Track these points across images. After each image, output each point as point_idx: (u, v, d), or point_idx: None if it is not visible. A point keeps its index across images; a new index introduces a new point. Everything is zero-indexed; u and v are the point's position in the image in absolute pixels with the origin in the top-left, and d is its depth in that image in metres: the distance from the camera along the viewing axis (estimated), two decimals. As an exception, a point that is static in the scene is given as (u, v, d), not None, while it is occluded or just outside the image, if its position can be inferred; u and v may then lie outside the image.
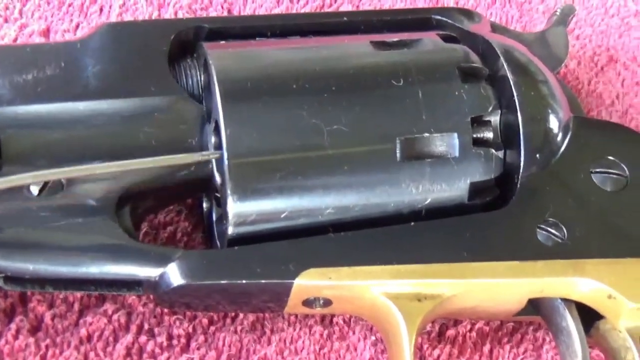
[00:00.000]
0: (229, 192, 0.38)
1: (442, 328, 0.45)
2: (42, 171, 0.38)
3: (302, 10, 0.56)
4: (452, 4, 0.58)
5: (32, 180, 0.37)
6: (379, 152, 0.40)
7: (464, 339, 0.45)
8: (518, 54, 0.44)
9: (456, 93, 0.41)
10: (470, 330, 0.45)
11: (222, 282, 0.37)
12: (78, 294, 0.42)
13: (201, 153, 0.40)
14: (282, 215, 0.39)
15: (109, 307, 0.42)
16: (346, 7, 0.56)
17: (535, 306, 0.42)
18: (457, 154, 0.40)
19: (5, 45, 0.48)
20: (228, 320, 0.43)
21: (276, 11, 0.55)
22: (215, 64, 0.39)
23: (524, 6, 0.59)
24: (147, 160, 0.39)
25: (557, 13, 0.51)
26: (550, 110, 0.42)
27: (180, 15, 0.53)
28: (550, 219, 0.41)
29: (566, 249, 0.40)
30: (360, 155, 0.39)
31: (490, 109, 0.41)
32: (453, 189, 0.41)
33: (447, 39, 0.44)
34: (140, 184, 0.40)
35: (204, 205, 0.45)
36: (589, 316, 0.41)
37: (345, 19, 0.46)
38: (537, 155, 0.42)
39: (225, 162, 0.38)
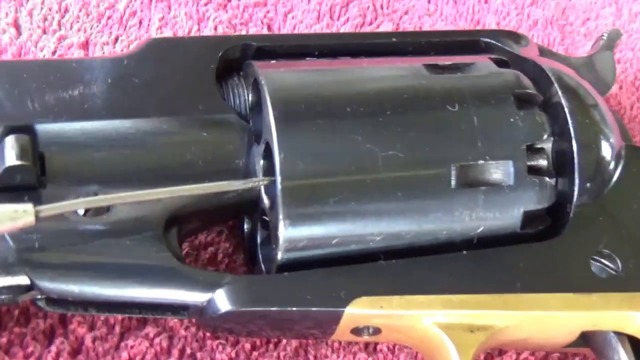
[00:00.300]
0: (280, 217, 0.37)
1: (487, 357, 0.44)
2: (90, 198, 0.37)
3: (343, 27, 0.55)
4: (493, 26, 0.57)
5: (81, 206, 0.37)
6: (434, 179, 0.39)
7: (509, 369, 0.44)
8: (570, 80, 0.43)
9: (511, 120, 0.40)
10: (517, 361, 0.44)
11: (272, 309, 0.37)
12: (119, 316, 0.41)
13: (252, 180, 0.39)
14: (334, 242, 0.38)
15: (150, 330, 0.41)
16: (387, 25, 0.56)
17: (585, 339, 0.41)
18: (512, 182, 0.39)
19: (51, 60, 0.47)
20: (271, 346, 0.42)
21: (317, 27, 0.54)
22: (268, 84, 0.38)
23: (565, 28, 0.58)
24: (196, 186, 0.38)
25: (604, 37, 0.50)
26: (603, 138, 0.42)
27: (220, 30, 0.52)
28: (605, 251, 0.40)
29: (620, 282, 0.39)
30: (414, 182, 0.38)
31: (545, 136, 0.41)
32: (506, 217, 0.40)
33: (499, 63, 0.43)
34: (188, 206, 0.39)
35: (245, 226, 0.44)
36: (640, 349, 0.40)
37: (394, 39, 0.45)
38: (589, 185, 0.41)
39: (279, 186, 0.37)
